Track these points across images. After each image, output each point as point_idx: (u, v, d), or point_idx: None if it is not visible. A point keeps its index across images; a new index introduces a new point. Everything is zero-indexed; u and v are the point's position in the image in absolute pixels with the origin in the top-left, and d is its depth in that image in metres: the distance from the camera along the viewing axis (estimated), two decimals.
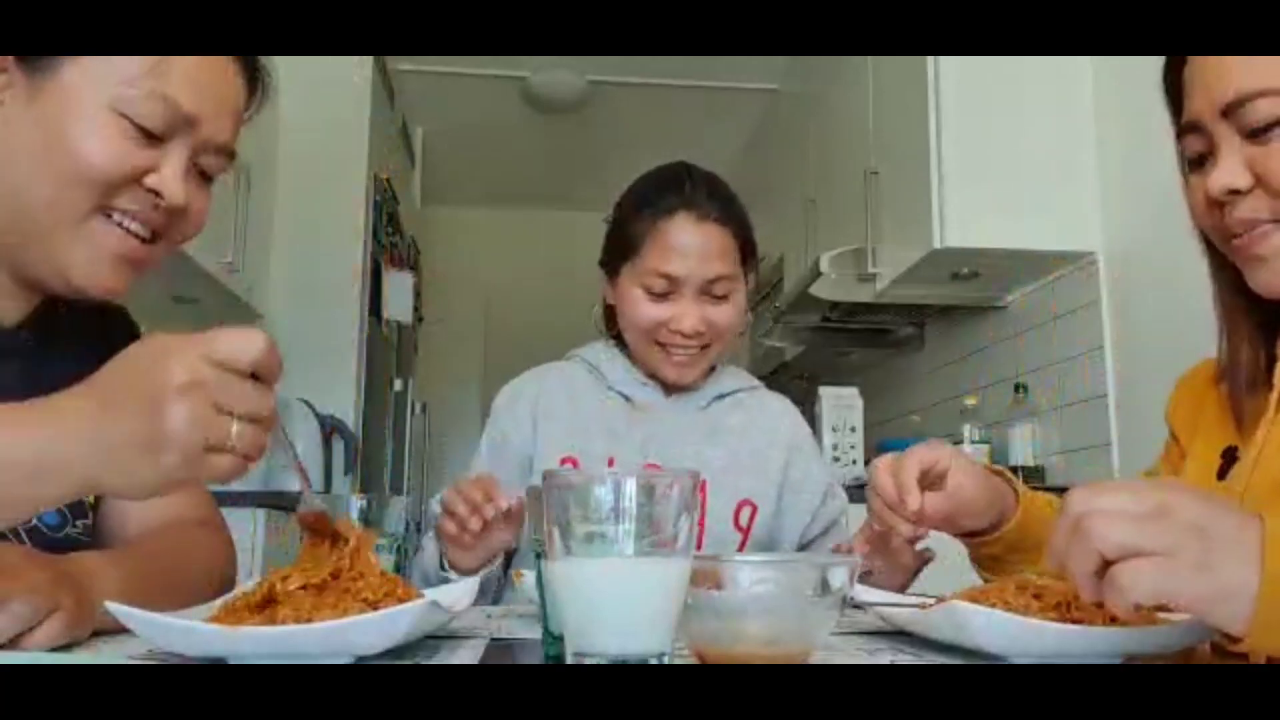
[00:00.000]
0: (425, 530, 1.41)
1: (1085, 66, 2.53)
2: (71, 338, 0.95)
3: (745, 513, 1.35)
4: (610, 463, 1.33)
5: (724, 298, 1.34)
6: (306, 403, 3.04)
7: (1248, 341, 0.91)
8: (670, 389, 1.40)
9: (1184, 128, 0.88)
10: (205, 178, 0.92)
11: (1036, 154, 2.52)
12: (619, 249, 1.37)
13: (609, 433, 1.37)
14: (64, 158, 0.81)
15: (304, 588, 0.70)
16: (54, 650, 0.67)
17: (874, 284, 2.93)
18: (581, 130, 4.70)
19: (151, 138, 0.84)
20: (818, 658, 0.70)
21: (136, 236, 0.86)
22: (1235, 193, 0.83)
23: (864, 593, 0.93)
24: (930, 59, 2.56)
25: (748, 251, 1.37)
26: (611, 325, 1.45)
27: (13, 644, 0.65)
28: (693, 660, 0.68)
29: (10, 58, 0.83)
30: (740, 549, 1.34)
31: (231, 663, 0.64)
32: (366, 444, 3.38)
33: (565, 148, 4.91)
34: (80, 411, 0.62)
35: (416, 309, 4.07)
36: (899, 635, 0.87)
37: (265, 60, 0.96)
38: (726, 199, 1.37)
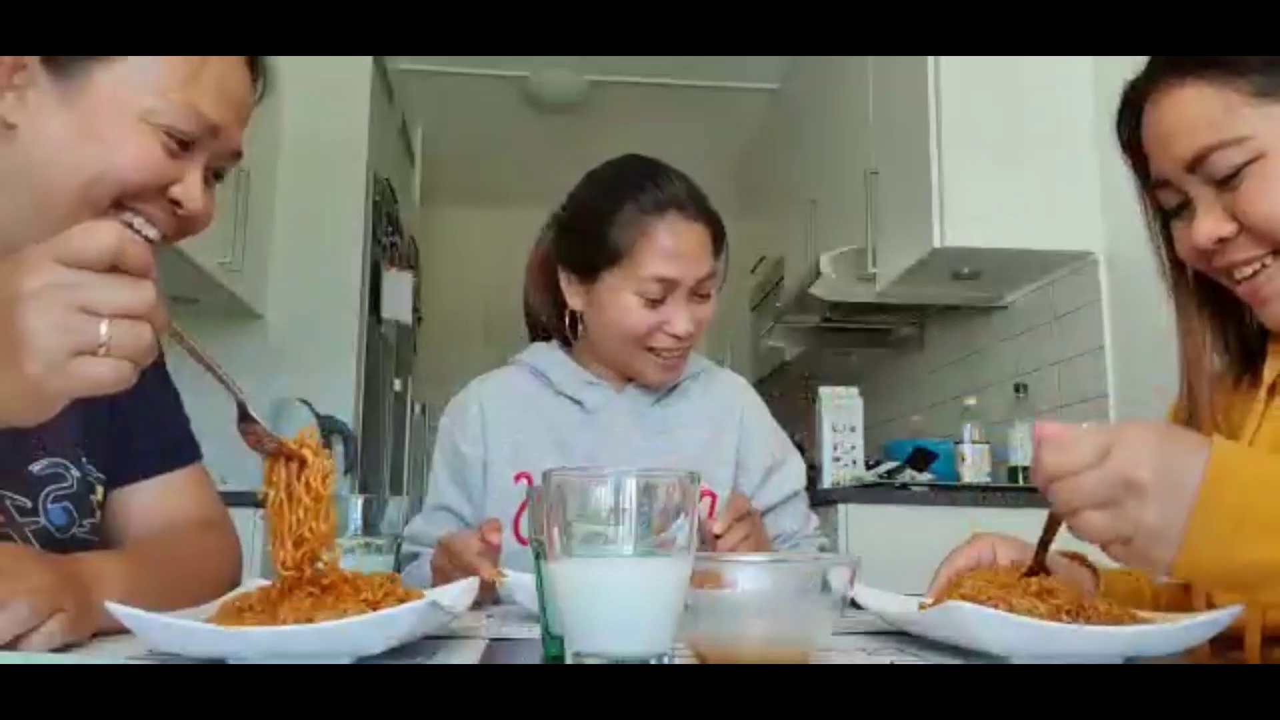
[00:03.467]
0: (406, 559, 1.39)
1: (1085, 66, 2.53)
2: None
3: (705, 503, 1.34)
4: None
5: (708, 295, 1.32)
6: (306, 403, 3.04)
7: (1210, 353, 0.97)
8: (622, 387, 1.39)
9: (1156, 183, 0.93)
10: (215, 177, 0.93)
11: (1036, 154, 2.52)
12: (598, 252, 1.31)
13: (557, 444, 1.35)
14: (96, 162, 0.82)
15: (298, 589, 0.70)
16: (54, 650, 0.67)
17: (874, 284, 2.93)
18: (581, 130, 4.70)
19: (181, 148, 0.85)
20: (818, 658, 0.70)
21: (145, 239, 0.86)
22: (1223, 240, 0.87)
23: (864, 593, 0.93)
24: (930, 59, 2.56)
25: (721, 243, 1.35)
26: (561, 327, 1.42)
27: (13, 644, 0.65)
28: (693, 660, 0.68)
29: (33, 59, 0.83)
30: None
31: (231, 663, 0.64)
32: (366, 444, 3.38)
33: (565, 148, 4.90)
34: None
35: (416, 309, 4.07)
36: (899, 635, 0.87)
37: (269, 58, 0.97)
38: (697, 188, 1.35)
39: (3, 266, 0.60)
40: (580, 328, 1.39)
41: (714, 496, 1.35)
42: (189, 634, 0.64)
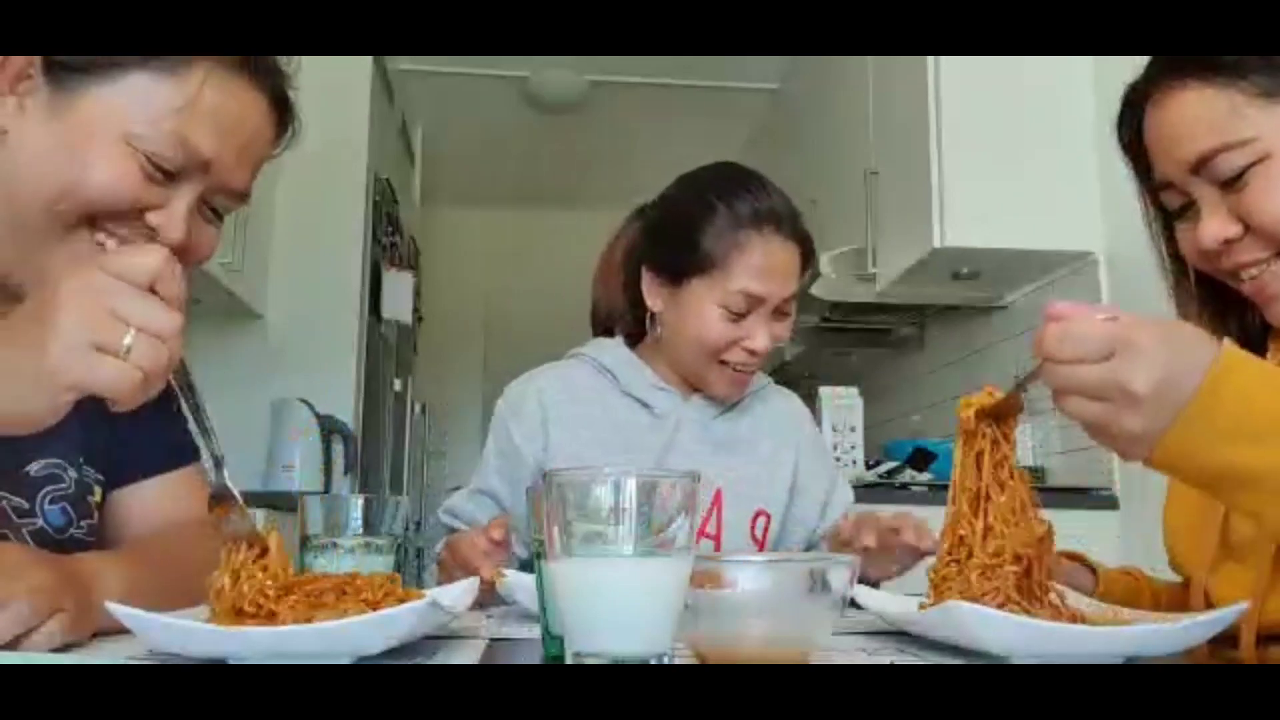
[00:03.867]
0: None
1: (1085, 66, 2.53)
2: None
3: (760, 523, 1.34)
4: None
5: (788, 313, 1.32)
6: (306, 403, 3.03)
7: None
8: (689, 394, 1.37)
9: (1159, 184, 0.92)
10: (215, 214, 0.92)
11: (1036, 154, 2.51)
12: (688, 258, 1.28)
13: (623, 445, 1.32)
14: (69, 175, 0.81)
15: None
16: (54, 650, 0.67)
17: (874, 284, 2.93)
18: (581, 130, 4.70)
19: (164, 176, 0.83)
20: (818, 658, 0.70)
21: None
22: (1228, 241, 0.86)
23: (864, 593, 0.93)
24: (930, 59, 2.55)
25: (809, 263, 1.34)
26: (631, 326, 1.40)
27: (13, 644, 0.65)
28: (693, 660, 0.68)
29: (37, 64, 0.82)
30: None
31: (231, 663, 0.64)
32: (366, 444, 3.38)
33: (565, 148, 4.91)
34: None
35: (416, 309, 4.06)
36: (899, 635, 0.87)
37: (295, 100, 0.96)
38: (796, 209, 1.32)
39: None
40: (656, 329, 1.36)
41: (769, 516, 1.34)
42: (189, 634, 0.64)
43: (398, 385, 4.00)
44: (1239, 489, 0.69)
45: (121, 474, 0.97)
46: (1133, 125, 0.94)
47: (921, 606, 0.84)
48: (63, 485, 0.90)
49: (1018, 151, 2.51)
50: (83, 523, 0.91)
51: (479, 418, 5.17)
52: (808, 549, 1.40)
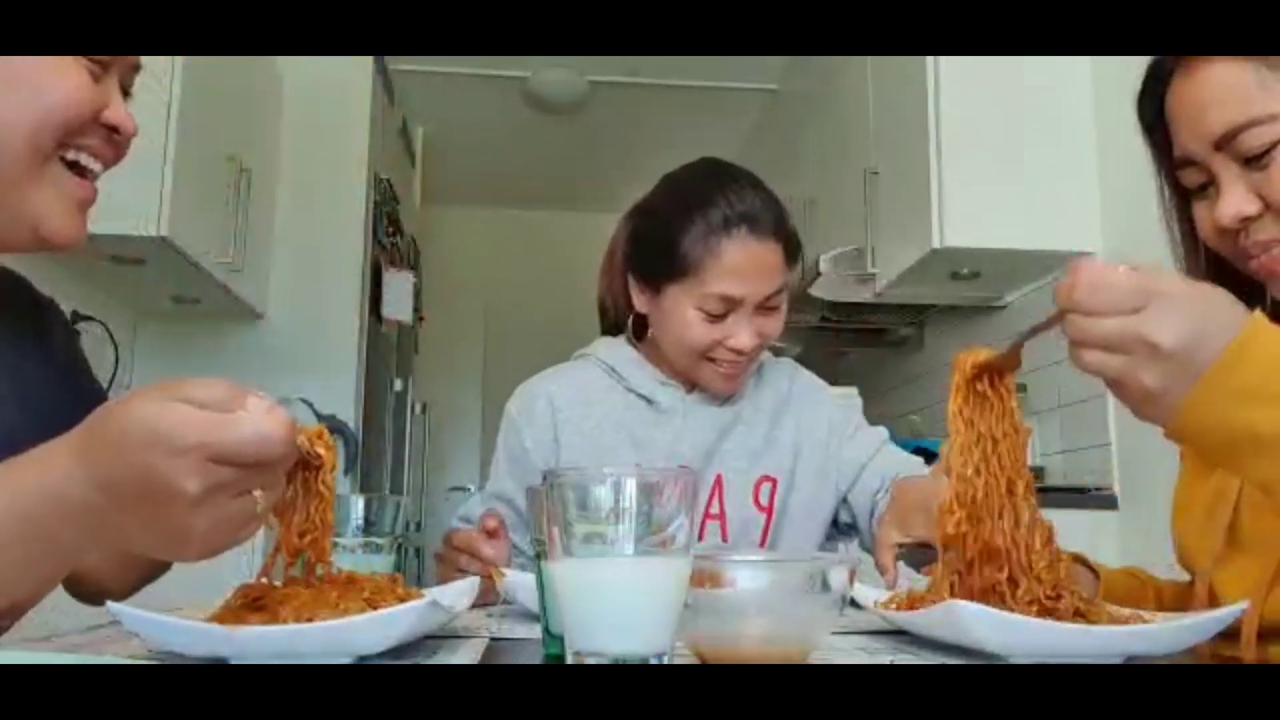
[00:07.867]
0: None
1: (1085, 66, 2.53)
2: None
3: (765, 489, 1.36)
4: None
5: (776, 308, 1.31)
6: (306, 403, 3.04)
7: None
8: (691, 387, 1.39)
9: (1179, 161, 0.90)
10: (125, 93, 0.91)
11: (1036, 154, 2.52)
12: (665, 264, 1.29)
13: (633, 441, 1.35)
14: (34, 103, 0.81)
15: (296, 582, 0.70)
16: (54, 651, 0.67)
17: (873, 284, 2.93)
18: (581, 130, 4.70)
19: (98, 69, 0.84)
20: (818, 658, 0.70)
21: (90, 174, 0.86)
22: (1247, 219, 0.85)
23: (864, 593, 0.93)
24: (930, 59, 2.56)
25: (793, 254, 1.33)
26: (637, 329, 1.41)
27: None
28: (693, 660, 0.68)
29: None
30: (767, 526, 1.34)
31: (232, 663, 0.64)
32: (366, 444, 3.38)
33: (565, 148, 4.91)
34: (91, 508, 0.61)
35: (416, 309, 4.06)
36: (899, 635, 0.87)
37: None
38: (774, 202, 1.32)
39: (148, 441, 0.58)
40: (649, 330, 1.38)
41: (774, 480, 1.36)
42: (189, 634, 0.64)
43: (398, 385, 4.00)
44: (1256, 455, 0.67)
45: None
46: (1155, 98, 0.92)
47: (882, 604, 0.84)
48: None
49: (1018, 151, 2.51)
50: None
51: (479, 418, 5.18)
52: (845, 505, 1.40)
